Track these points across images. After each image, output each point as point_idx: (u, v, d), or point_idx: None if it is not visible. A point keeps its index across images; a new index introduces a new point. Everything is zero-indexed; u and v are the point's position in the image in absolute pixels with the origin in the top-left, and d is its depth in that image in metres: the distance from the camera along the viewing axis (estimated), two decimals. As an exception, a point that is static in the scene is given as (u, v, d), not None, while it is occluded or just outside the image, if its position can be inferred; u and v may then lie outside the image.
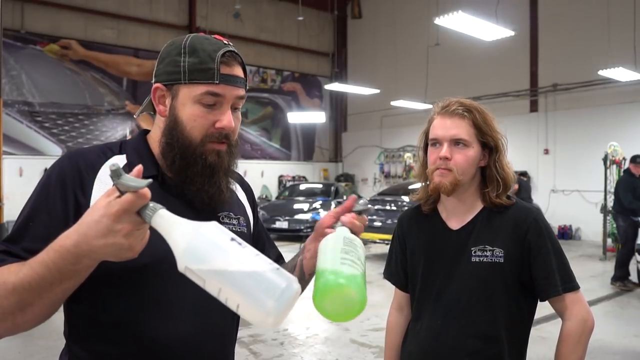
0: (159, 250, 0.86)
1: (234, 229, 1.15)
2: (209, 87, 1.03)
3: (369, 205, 1.07)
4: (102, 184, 1.02)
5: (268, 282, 0.72)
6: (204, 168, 1.05)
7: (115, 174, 0.77)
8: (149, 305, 1.00)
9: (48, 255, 0.82)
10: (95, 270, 0.87)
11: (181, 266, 0.76)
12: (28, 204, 1.00)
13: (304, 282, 1.16)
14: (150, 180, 0.79)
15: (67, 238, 0.82)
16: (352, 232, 1.02)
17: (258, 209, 1.34)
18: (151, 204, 0.79)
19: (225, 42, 1.08)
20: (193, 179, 1.05)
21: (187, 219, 0.81)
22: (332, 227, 1.05)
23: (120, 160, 1.07)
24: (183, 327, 1.02)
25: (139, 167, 0.82)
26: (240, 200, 1.25)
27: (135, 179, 0.78)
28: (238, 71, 1.07)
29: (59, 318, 0.97)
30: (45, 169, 1.05)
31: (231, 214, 1.17)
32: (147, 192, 0.78)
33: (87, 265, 0.84)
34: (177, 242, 0.77)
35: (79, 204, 0.99)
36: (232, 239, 0.77)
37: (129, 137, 1.17)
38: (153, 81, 1.09)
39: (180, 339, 1.02)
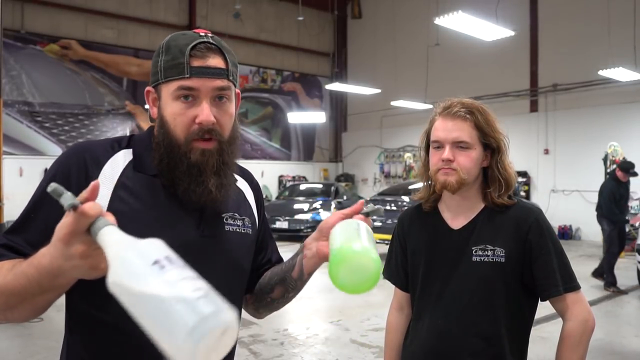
0: None
1: (238, 230, 1.13)
2: (180, 82, 1.01)
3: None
4: (106, 178, 1.02)
5: (183, 310, 0.60)
6: (189, 167, 1.03)
7: (54, 194, 0.71)
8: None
9: (29, 269, 0.83)
10: None
11: (108, 284, 0.68)
12: (33, 196, 1.02)
13: (301, 282, 1.14)
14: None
15: (43, 257, 0.81)
16: None
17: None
18: (100, 221, 0.72)
19: (203, 33, 1.05)
20: (181, 178, 1.03)
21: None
22: None
23: (126, 154, 1.07)
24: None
25: (95, 182, 0.76)
26: (247, 200, 1.22)
27: (72, 196, 0.72)
28: (214, 62, 1.03)
29: (59, 318, 0.98)
30: (46, 169, 1.05)
31: (236, 214, 1.14)
32: (90, 209, 0.72)
33: (66, 282, 0.84)
34: (108, 260, 0.70)
35: None
36: (156, 262, 0.65)
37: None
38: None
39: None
